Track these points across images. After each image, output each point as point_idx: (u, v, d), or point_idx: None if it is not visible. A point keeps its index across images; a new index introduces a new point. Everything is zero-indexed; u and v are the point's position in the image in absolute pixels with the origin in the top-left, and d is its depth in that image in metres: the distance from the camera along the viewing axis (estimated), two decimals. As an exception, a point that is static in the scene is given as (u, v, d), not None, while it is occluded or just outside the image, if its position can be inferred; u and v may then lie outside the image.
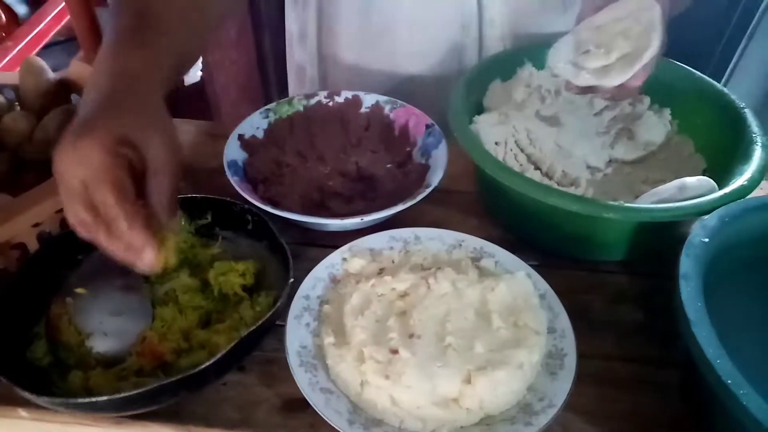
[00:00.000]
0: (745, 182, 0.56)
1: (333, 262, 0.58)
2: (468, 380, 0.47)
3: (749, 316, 0.54)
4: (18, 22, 1.65)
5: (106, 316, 0.52)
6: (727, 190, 0.55)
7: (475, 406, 0.47)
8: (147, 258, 0.45)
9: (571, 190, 0.64)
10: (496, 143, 0.68)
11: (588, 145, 0.69)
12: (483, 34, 0.81)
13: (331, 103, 0.76)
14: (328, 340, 0.50)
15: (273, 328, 0.53)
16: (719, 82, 0.70)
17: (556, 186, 0.65)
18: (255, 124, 0.73)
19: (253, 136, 0.72)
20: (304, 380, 0.48)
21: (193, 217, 0.62)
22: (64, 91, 0.75)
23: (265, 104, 0.75)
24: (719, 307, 0.50)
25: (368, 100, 0.76)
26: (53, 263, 0.56)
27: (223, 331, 0.52)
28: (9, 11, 1.87)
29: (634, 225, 0.58)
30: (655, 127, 0.70)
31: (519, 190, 0.56)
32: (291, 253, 0.55)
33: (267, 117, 0.74)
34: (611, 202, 0.55)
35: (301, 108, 0.75)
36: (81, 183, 0.43)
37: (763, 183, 0.64)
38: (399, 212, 0.62)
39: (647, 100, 0.73)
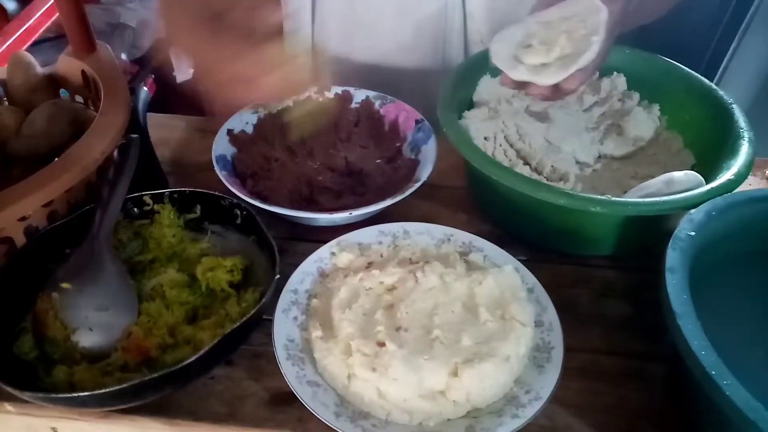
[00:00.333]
0: (732, 177, 0.56)
1: (321, 256, 0.58)
2: (455, 373, 0.47)
3: (735, 309, 0.54)
4: (7, 18, 1.64)
5: (92, 311, 0.52)
6: (713, 184, 0.55)
7: (462, 399, 0.47)
8: None
9: (560, 185, 0.64)
10: (486, 138, 0.68)
11: (577, 140, 0.69)
12: (467, 27, 0.81)
13: (321, 99, 0.76)
14: (316, 333, 0.50)
15: (260, 323, 0.53)
16: (712, 79, 0.70)
17: (545, 181, 0.65)
18: (244, 119, 0.73)
19: (243, 131, 0.72)
20: (291, 373, 0.48)
21: (182, 210, 0.62)
22: (52, 86, 0.74)
23: (260, 102, 0.75)
24: (705, 300, 0.50)
25: (358, 95, 0.76)
26: (40, 258, 0.56)
27: (208, 327, 0.52)
28: (-2, 7, 1.86)
29: (622, 219, 0.58)
30: (644, 122, 0.70)
31: (507, 184, 0.56)
32: (279, 248, 0.55)
33: (256, 112, 0.73)
34: (598, 197, 0.55)
35: (291, 103, 0.75)
36: None
37: (750, 178, 0.65)
38: (388, 207, 0.62)
39: (636, 96, 0.73)
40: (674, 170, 0.64)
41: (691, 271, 0.51)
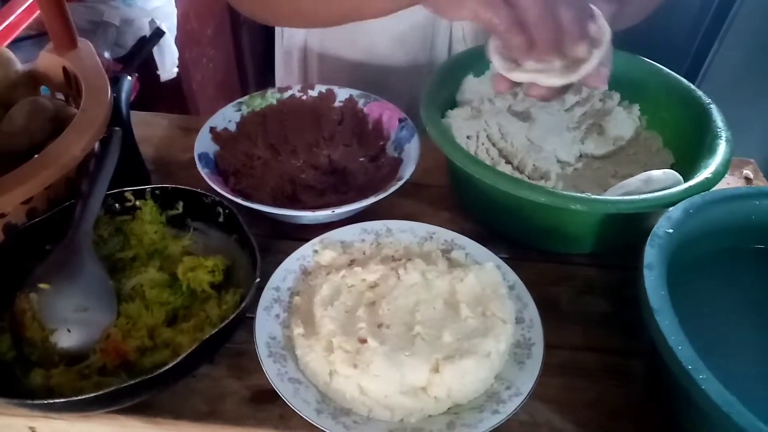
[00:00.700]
0: (710, 175, 0.57)
1: (304, 254, 0.58)
2: (436, 369, 0.47)
3: (712, 306, 0.55)
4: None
5: (71, 311, 0.51)
6: (691, 183, 0.56)
7: (443, 395, 0.47)
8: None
9: (541, 183, 0.65)
10: (468, 137, 0.68)
11: (558, 140, 0.69)
12: (452, 24, 0.81)
13: (304, 97, 0.76)
14: (298, 330, 0.50)
15: (241, 324, 0.52)
16: (694, 80, 0.71)
17: (526, 179, 0.66)
18: (227, 117, 0.72)
19: (225, 129, 0.71)
20: (272, 371, 0.48)
21: (164, 207, 0.62)
22: (33, 82, 0.74)
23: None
24: (683, 297, 0.51)
25: (342, 94, 0.76)
26: (19, 255, 0.55)
27: (187, 330, 0.52)
28: (-21, 4, 1.84)
29: (602, 217, 0.59)
30: (625, 122, 0.71)
31: (489, 182, 0.57)
32: (262, 246, 0.55)
33: (239, 110, 0.73)
34: (579, 195, 0.55)
35: (274, 101, 0.75)
36: None
37: (728, 177, 0.66)
38: (371, 205, 0.62)
39: (617, 96, 0.74)
40: (654, 169, 0.64)
41: (669, 267, 0.51)
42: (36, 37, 1.27)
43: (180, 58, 1.60)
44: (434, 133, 0.62)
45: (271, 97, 0.75)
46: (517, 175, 0.66)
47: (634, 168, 0.68)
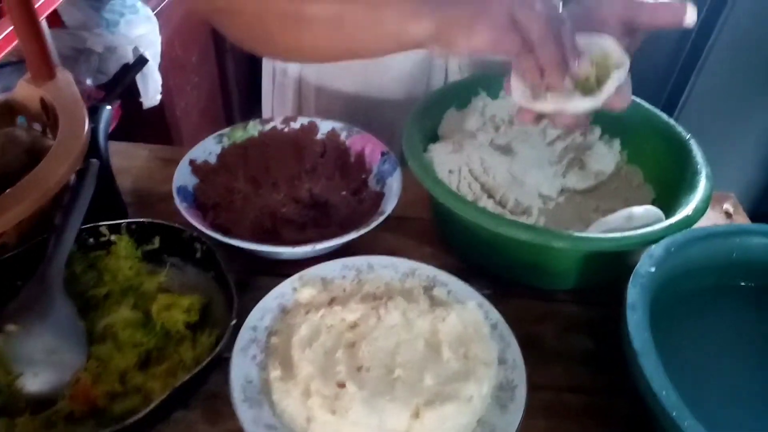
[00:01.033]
0: (691, 212, 0.57)
1: (283, 291, 0.56)
2: (417, 415, 0.46)
3: (695, 344, 0.55)
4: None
5: (39, 353, 0.50)
6: (672, 220, 0.56)
7: (424, 441, 0.46)
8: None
9: (523, 218, 0.64)
10: (450, 171, 0.68)
11: (540, 174, 0.69)
12: (449, 57, 0.82)
13: (286, 129, 0.75)
14: (275, 373, 0.49)
15: (215, 368, 0.50)
16: (671, 114, 0.72)
17: (508, 215, 0.65)
18: (208, 149, 0.71)
19: (206, 162, 0.70)
20: (247, 417, 0.46)
21: (140, 242, 0.60)
22: (9, 112, 0.72)
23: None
24: (666, 335, 0.51)
25: (324, 126, 0.75)
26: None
27: (159, 375, 0.50)
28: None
29: (584, 254, 0.58)
30: (606, 157, 0.72)
31: (470, 218, 0.56)
32: (241, 282, 0.53)
33: (220, 142, 0.72)
34: (560, 231, 0.55)
35: (256, 133, 0.74)
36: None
37: (709, 212, 0.66)
38: (353, 240, 0.61)
39: (598, 130, 0.74)
40: (635, 204, 0.65)
41: (652, 306, 0.51)
42: (17, 63, 1.26)
43: (164, 86, 1.59)
44: (416, 168, 0.61)
45: (253, 129, 0.74)
46: (499, 210, 0.66)
47: (616, 202, 0.68)
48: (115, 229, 0.60)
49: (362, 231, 0.61)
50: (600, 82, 0.54)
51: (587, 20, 0.57)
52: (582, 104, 0.53)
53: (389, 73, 0.84)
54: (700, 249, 0.56)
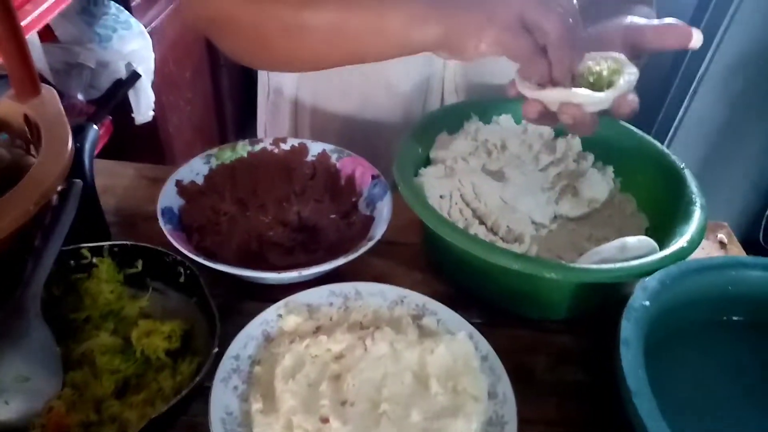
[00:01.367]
0: (685, 244, 0.56)
1: (267, 318, 0.55)
2: (402, 452, 0.44)
3: (690, 379, 0.54)
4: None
5: (11, 380, 0.47)
6: (667, 252, 0.55)
7: (410, 480, 0.44)
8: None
9: (515, 246, 0.63)
10: (441, 197, 0.67)
11: (533, 200, 0.68)
12: (445, 76, 0.81)
13: (276, 150, 0.74)
14: (256, 406, 0.47)
15: (195, 398, 0.49)
16: (663, 141, 0.71)
17: (500, 242, 0.64)
18: (195, 170, 0.70)
19: (192, 182, 0.69)
20: (226, 451, 0.44)
21: (123, 265, 0.59)
22: (-8, 129, 0.71)
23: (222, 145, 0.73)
24: (661, 370, 0.49)
25: (315, 148, 0.74)
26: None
27: (136, 405, 0.48)
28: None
29: (576, 284, 0.57)
30: (599, 184, 0.71)
31: (461, 246, 0.55)
32: (225, 307, 0.52)
33: (208, 162, 0.71)
34: (552, 262, 0.54)
35: (245, 154, 0.73)
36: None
37: (703, 241, 0.65)
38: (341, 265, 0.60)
39: (591, 157, 0.74)
40: (628, 233, 0.64)
41: (646, 339, 0.50)
42: (5, 77, 1.24)
43: (156, 101, 1.58)
44: (406, 193, 0.60)
45: (242, 149, 0.73)
46: (490, 236, 0.65)
47: (609, 231, 0.67)
48: (97, 252, 0.58)
49: (350, 257, 0.60)
50: (610, 84, 0.54)
51: (592, 45, 0.56)
52: (590, 96, 0.53)
53: (385, 95, 0.83)
54: (694, 282, 0.55)
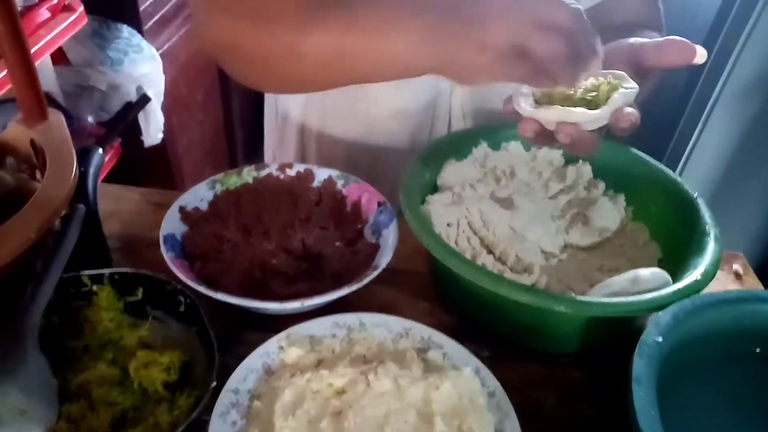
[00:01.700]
0: (699, 277, 0.54)
1: (268, 350, 0.53)
2: (405, 495, 0.42)
3: (704, 415, 0.51)
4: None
5: (6, 413, 0.46)
6: (680, 285, 0.53)
7: None
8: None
9: (524, 277, 0.62)
10: (449, 225, 0.66)
11: (542, 229, 0.67)
12: (451, 102, 0.80)
13: (282, 176, 0.73)
14: (254, 443, 0.46)
15: (196, 429, 0.47)
16: (676, 168, 0.70)
17: (508, 272, 0.63)
18: (199, 196, 0.69)
19: (196, 208, 0.68)
20: (222, 492, 0.43)
21: (123, 292, 0.58)
22: (-1, 153, 0.71)
23: (231, 168, 0.72)
24: (673, 408, 0.47)
25: (321, 174, 0.74)
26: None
27: None
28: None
29: (587, 318, 0.55)
30: (610, 213, 0.69)
31: (468, 277, 0.54)
32: (226, 337, 0.51)
33: (213, 188, 0.70)
34: (562, 295, 0.52)
35: (250, 180, 0.72)
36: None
37: (718, 272, 0.63)
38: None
39: (602, 185, 0.72)
40: (641, 263, 0.62)
41: (659, 375, 0.48)
42: (13, 100, 1.26)
43: (166, 123, 1.59)
44: (413, 223, 0.59)
45: (248, 175, 0.73)
46: (499, 266, 0.63)
47: (621, 261, 0.65)
48: (97, 279, 0.57)
49: (354, 287, 0.58)
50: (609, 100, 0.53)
51: None
52: (586, 114, 0.51)
53: (392, 121, 0.83)
54: (709, 316, 0.53)
